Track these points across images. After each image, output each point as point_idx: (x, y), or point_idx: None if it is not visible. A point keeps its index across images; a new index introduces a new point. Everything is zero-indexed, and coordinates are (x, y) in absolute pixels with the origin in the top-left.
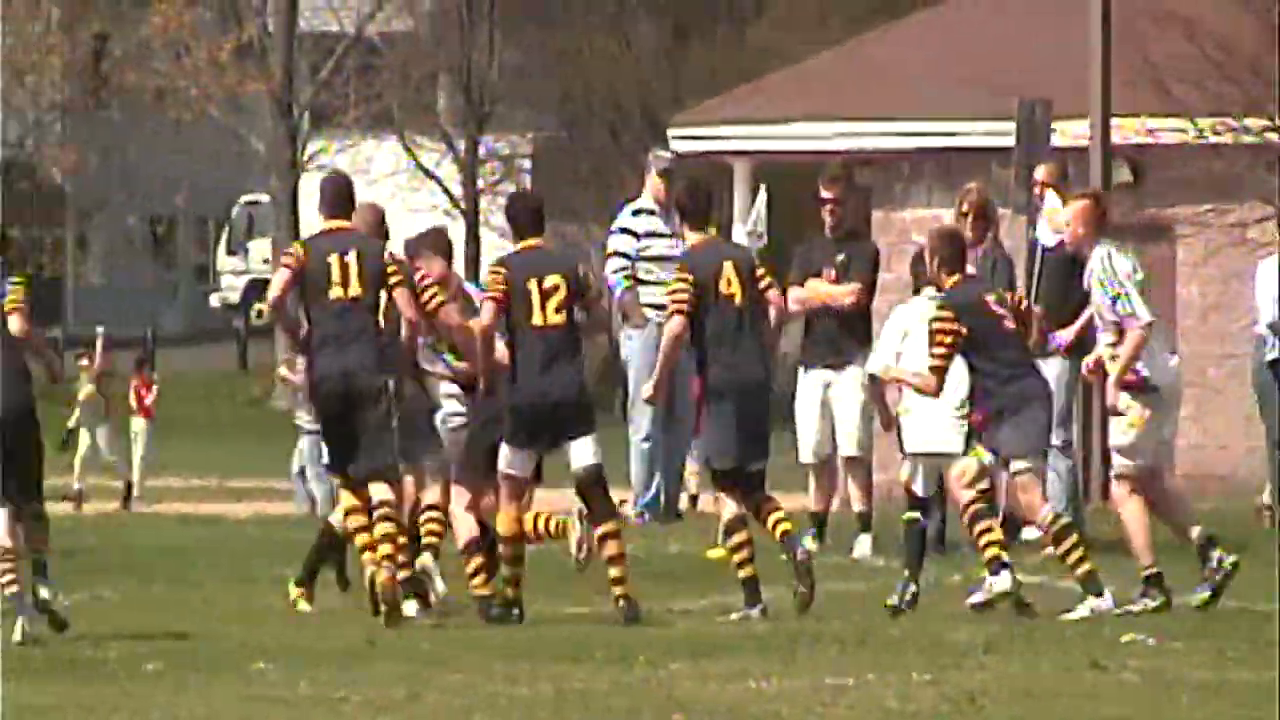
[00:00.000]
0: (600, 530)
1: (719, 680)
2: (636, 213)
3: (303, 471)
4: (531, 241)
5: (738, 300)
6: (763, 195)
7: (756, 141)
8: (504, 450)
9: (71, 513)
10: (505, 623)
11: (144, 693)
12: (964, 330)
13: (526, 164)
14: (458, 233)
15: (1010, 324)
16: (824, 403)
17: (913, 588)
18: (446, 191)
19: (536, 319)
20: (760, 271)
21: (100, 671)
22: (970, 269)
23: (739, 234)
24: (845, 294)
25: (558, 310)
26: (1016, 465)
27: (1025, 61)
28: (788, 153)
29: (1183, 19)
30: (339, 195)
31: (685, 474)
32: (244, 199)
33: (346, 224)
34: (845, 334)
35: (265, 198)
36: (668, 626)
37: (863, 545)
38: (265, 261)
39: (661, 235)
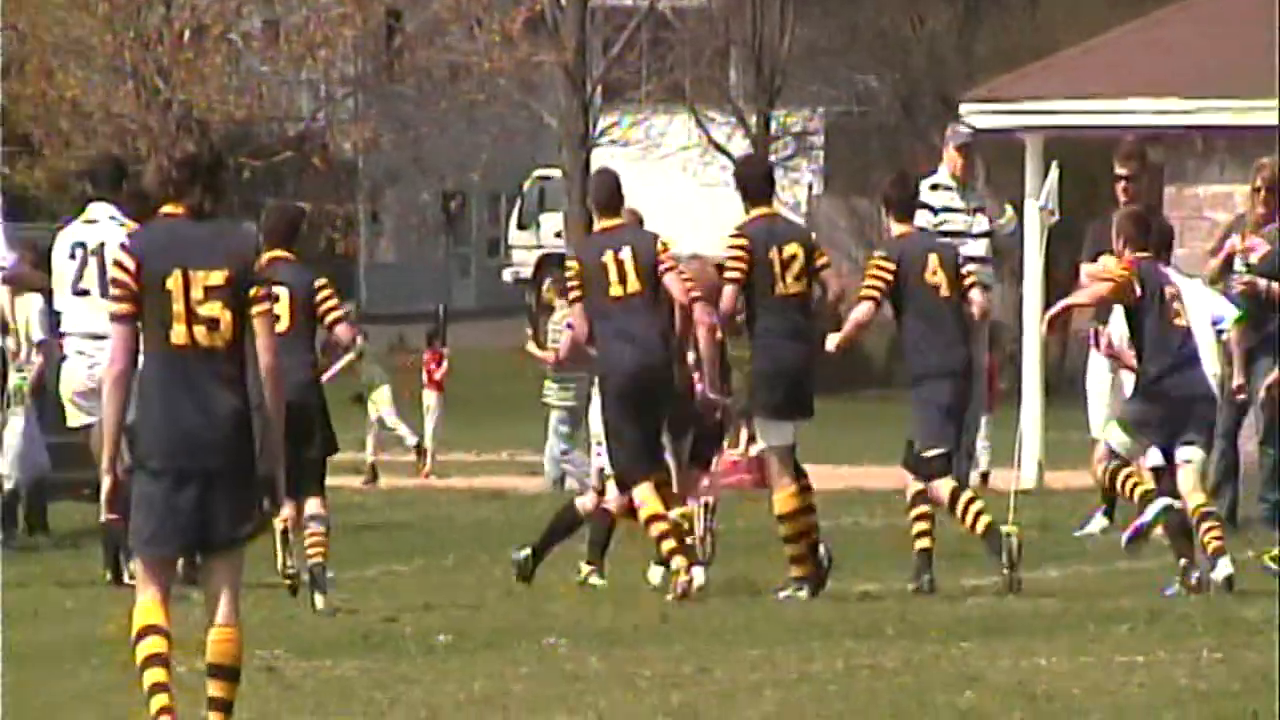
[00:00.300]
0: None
1: (1010, 657)
2: (934, 187)
3: (566, 452)
4: (764, 209)
5: (943, 291)
6: (1054, 172)
7: (1048, 117)
8: (761, 423)
9: (363, 488)
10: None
11: (437, 666)
12: (1138, 294)
13: (818, 139)
14: None
15: (1180, 321)
16: (1115, 377)
17: (1196, 573)
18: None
19: (780, 288)
20: (965, 269)
21: (394, 645)
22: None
23: (1031, 210)
24: None
25: (797, 278)
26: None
27: None
28: (1080, 129)
29: None
30: (609, 191)
31: (976, 450)
32: (536, 174)
33: (618, 220)
34: None
35: (557, 172)
36: (959, 603)
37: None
38: (557, 235)
39: (958, 210)
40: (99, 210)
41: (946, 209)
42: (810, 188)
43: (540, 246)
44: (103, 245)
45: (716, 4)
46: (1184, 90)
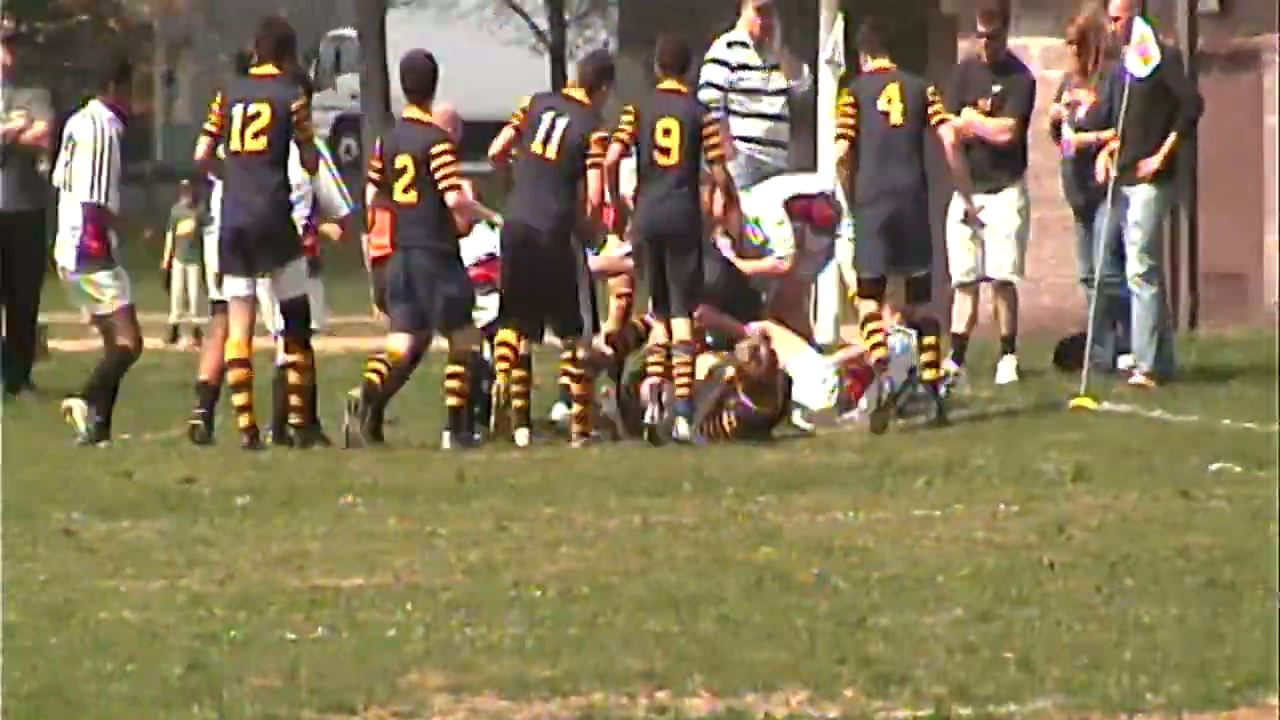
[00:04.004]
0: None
1: (806, 512)
2: (731, 44)
3: None
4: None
5: (893, 119)
6: (839, 24)
7: None
8: None
9: (162, 347)
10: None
11: (234, 527)
12: None
13: None
14: (543, 68)
15: None
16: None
17: None
18: (532, 25)
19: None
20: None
21: (191, 506)
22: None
23: (824, 66)
24: (998, 130)
25: (255, 136)
26: None
27: None
28: None
29: None
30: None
31: None
32: (330, 34)
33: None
34: (999, 162)
35: (352, 32)
36: (755, 459)
37: (1006, 368)
38: (353, 97)
39: (754, 68)
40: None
41: (743, 65)
42: (606, 44)
43: (336, 108)
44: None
45: None
46: None
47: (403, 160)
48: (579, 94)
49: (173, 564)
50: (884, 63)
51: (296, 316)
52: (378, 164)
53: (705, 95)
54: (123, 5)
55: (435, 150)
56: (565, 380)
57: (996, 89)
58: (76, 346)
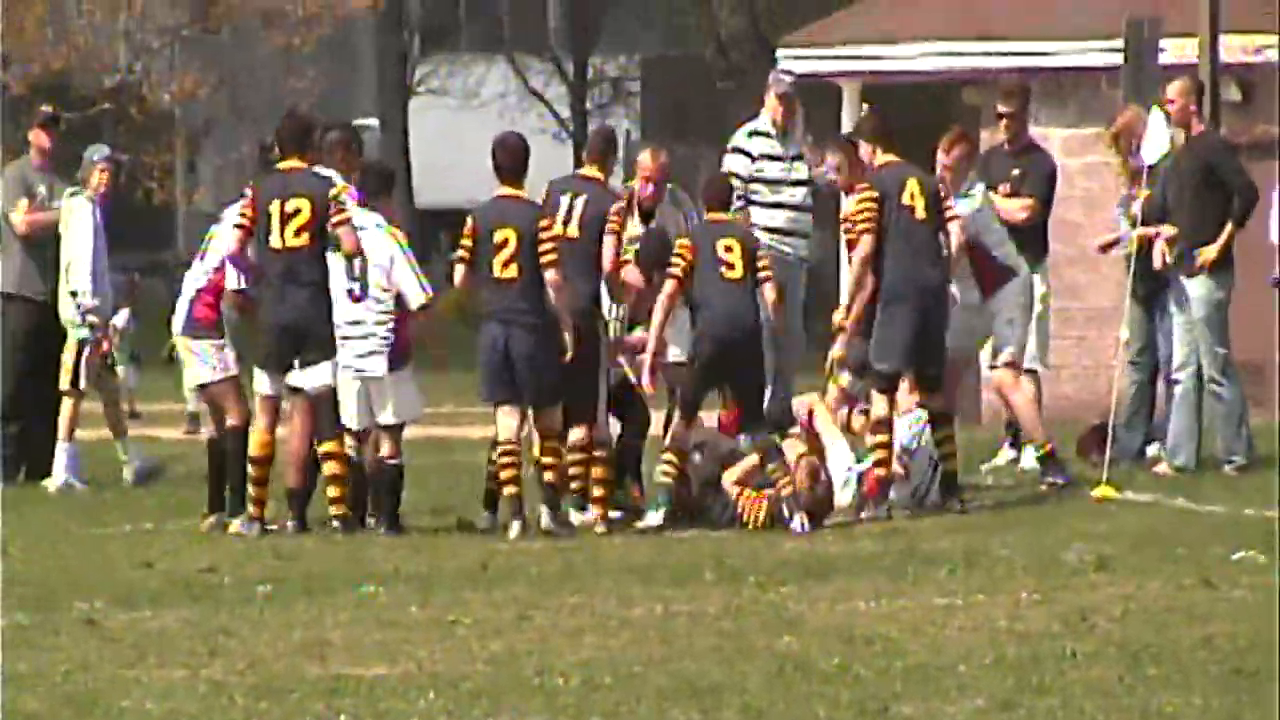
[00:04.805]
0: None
1: (828, 602)
2: (753, 134)
3: None
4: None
5: (918, 214)
6: (865, 112)
7: (865, 62)
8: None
9: (185, 437)
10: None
11: (255, 616)
12: None
13: (635, 85)
14: (566, 156)
15: None
16: None
17: None
18: (555, 114)
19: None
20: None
21: (213, 596)
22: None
23: None
24: (1019, 208)
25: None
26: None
27: None
28: (896, 73)
29: None
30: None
31: None
32: (354, 123)
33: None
34: (1020, 245)
35: (374, 121)
36: (777, 548)
37: (1027, 456)
38: None
39: (777, 158)
40: None
41: (765, 156)
42: (628, 134)
43: None
44: None
45: None
46: (1000, 34)
47: (504, 234)
48: (592, 171)
49: (195, 653)
50: (894, 156)
51: (323, 408)
52: (468, 242)
53: None
54: (144, 94)
55: (542, 225)
56: (575, 469)
57: (1015, 172)
58: (97, 435)
